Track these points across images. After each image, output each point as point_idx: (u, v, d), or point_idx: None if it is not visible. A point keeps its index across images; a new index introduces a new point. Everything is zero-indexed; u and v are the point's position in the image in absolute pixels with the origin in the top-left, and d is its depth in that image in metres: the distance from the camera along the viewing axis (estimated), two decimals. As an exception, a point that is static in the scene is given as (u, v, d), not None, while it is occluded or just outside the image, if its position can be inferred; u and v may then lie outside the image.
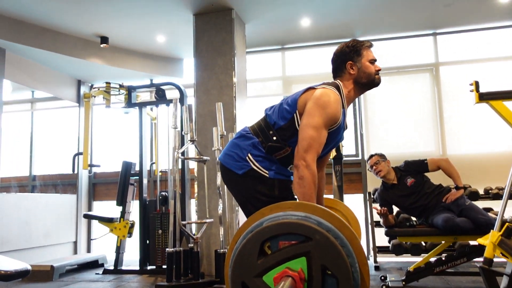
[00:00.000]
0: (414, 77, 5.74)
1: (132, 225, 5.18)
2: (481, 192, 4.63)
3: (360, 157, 5.66)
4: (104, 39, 5.47)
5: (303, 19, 5.16)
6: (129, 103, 5.19)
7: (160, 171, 5.31)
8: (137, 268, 4.93)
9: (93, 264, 5.43)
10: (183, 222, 4.08)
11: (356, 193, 5.59)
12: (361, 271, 1.45)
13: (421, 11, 5.08)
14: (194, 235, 4.09)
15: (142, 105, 5.21)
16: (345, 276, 1.38)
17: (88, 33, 5.38)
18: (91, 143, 5.81)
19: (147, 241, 4.96)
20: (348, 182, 5.56)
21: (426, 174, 3.85)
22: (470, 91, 2.63)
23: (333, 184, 4.38)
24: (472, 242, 3.89)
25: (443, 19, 5.35)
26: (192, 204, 4.87)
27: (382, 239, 4.32)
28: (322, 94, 1.86)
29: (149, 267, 4.93)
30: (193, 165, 5.03)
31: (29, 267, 2.06)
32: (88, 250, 6.38)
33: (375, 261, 4.65)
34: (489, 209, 4.09)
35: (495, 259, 2.56)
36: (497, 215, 3.76)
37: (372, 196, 4.62)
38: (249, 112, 5.12)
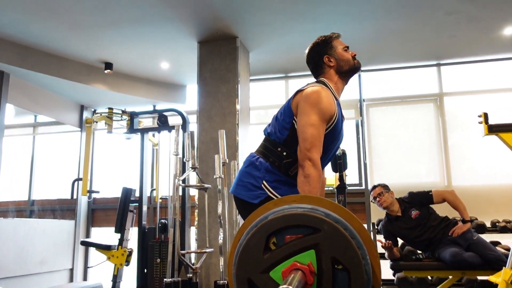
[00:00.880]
0: (418, 107, 5.72)
1: (130, 253, 5.06)
2: (488, 224, 4.53)
3: (363, 187, 5.58)
4: (108, 65, 5.51)
5: (306, 48, 5.17)
6: (131, 129, 5.16)
7: (160, 198, 5.24)
8: (134, 298, 4.80)
9: (89, 293, 5.29)
10: (182, 252, 3.98)
11: (359, 224, 5.48)
12: (372, 264, 1.38)
13: (425, 41, 5.11)
14: (193, 264, 3.99)
15: (144, 131, 5.18)
16: (357, 268, 1.31)
17: (92, 59, 5.42)
18: (92, 168, 5.77)
19: (145, 270, 4.83)
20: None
21: (431, 205, 3.77)
22: (479, 122, 2.59)
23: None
24: (480, 277, 3.77)
25: (447, 50, 5.38)
26: (192, 232, 4.78)
27: (386, 272, 4.20)
28: (311, 92, 1.86)
29: (146, 297, 4.79)
30: (193, 192, 4.96)
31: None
32: (85, 278, 6.25)
33: (380, 295, 4.50)
34: (497, 243, 3.99)
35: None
36: (505, 249, 3.67)
37: (376, 227, 4.51)
38: (252, 140, 5.09)
